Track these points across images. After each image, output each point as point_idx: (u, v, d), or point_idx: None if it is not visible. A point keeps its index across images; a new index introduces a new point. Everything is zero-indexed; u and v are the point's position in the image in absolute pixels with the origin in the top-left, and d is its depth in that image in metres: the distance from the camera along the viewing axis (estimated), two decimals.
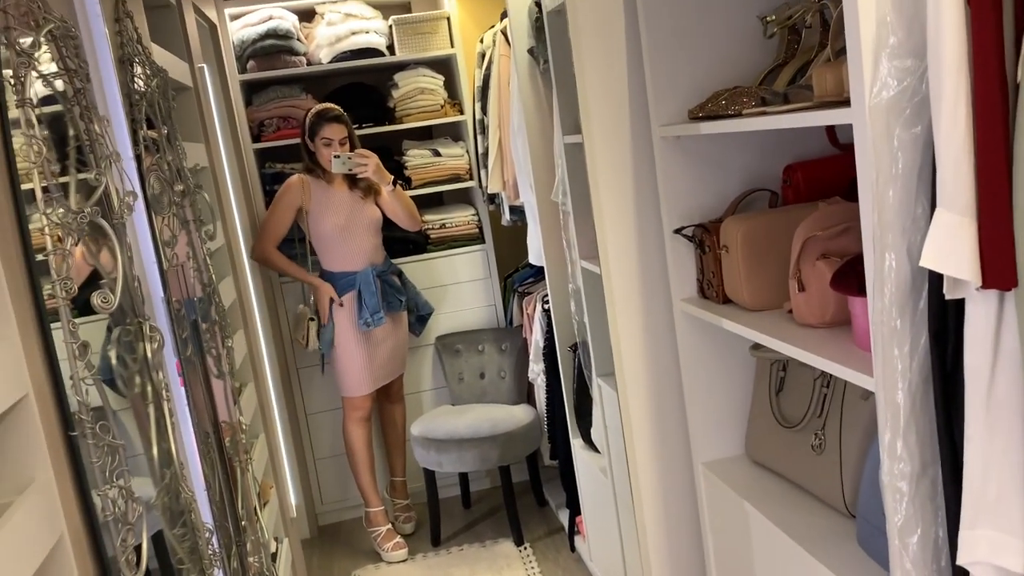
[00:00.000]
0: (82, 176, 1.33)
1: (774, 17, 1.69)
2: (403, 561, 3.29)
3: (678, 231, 1.78)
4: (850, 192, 1.74)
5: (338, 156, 3.07)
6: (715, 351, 1.84)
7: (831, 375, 1.59)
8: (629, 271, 1.92)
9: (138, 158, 1.66)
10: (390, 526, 3.39)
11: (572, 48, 1.89)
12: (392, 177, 3.19)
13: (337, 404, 3.49)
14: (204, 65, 2.76)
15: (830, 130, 1.79)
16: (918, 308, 1.10)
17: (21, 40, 1.17)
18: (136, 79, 1.76)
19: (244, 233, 3.13)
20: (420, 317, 3.46)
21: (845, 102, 1.20)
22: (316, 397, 3.61)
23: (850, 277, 1.40)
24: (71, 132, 1.35)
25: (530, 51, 2.70)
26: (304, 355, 3.47)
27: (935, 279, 1.06)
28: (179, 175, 1.91)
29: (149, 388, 1.49)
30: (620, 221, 1.90)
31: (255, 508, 2.14)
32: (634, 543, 2.33)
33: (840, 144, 1.79)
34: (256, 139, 3.51)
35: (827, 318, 1.46)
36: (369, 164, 3.09)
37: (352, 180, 3.22)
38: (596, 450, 2.68)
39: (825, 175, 1.77)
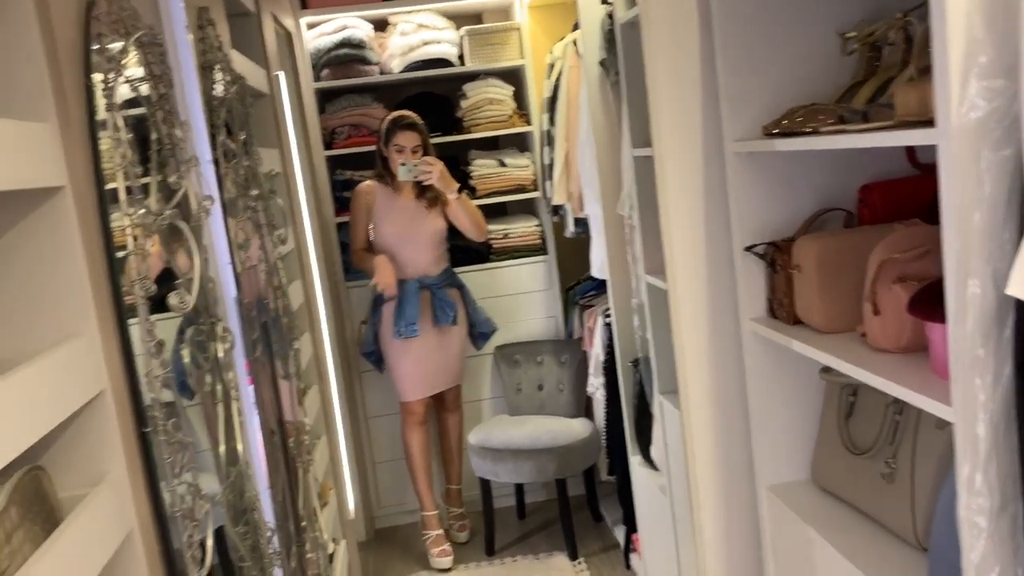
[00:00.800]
0: (162, 179, 1.37)
1: (855, 33, 1.65)
2: (448, 569, 3.29)
3: (749, 249, 1.74)
4: (930, 214, 1.69)
5: (404, 164, 3.11)
6: (783, 373, 1.80)
7: (904, 402, 1.54)
8: (696, 288, 1.89)
9: (216, 162, 1.71)
10: (441, 532, 3.41)
11: (645, 60, 1.88)
12: (458, 185, 3.21)
13: (397, 409, 3.53)
14: (280, 72, 2.83)
15: (910, 150, 1.74)
16: (1003, 337, 1.05)
17: (111, 46, 1.21)
18: (216, 85, 1.81)
19: (314, 238, 3.18)
20: (481, 334, 3.46)
21: (929, 122, 1.16)
22: (377, 401, 3.65)
23: (928, 302, 1.35)
24: (153, 136, 1.39)
25: (601, 63, 2.69)
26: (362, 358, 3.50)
27: (1022, 308, 1.01)
28: (254, 180, 1.96)
29: (219, 387, 1.52)
30: (688, 237, 1.87)
31: (315, 509, 2.17)
32: (691, 563, 2.29)
33: (920, 164, 1.74)
34: (328, 146, 3.57)
35: (902, 343, 1.41)
36: (434, 171, 3.12)
37: (420, 190, 3.25)
38: (655, 468, 2.64)
39: (903, 196, 1.72)
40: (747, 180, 1.74)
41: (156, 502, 1.18)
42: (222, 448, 1.54)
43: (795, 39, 1.73)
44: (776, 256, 1.71)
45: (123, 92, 1.27)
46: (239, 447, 1.54)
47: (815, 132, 1.49)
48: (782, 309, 1.72)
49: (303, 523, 2.00)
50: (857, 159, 1.79)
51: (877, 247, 1.44)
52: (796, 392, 1.82)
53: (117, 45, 1.23)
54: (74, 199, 1.07)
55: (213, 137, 1.73)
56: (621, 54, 2.35)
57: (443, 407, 3.51)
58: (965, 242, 1.04)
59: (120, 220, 1.17)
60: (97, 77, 1.18)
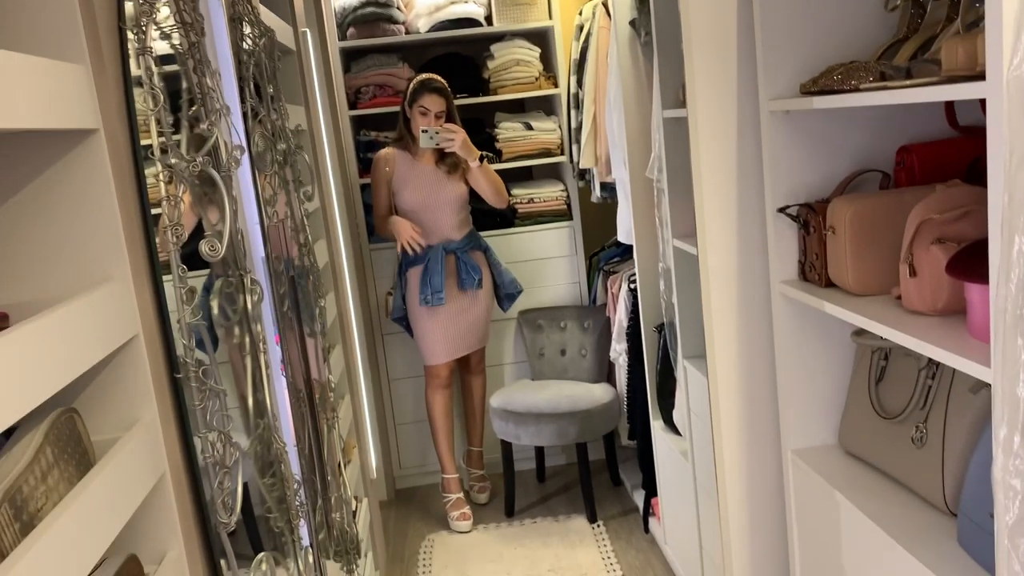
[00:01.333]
0: (192, 129, 1.37)
1: None
2: (467, 532, 3.32)
3: (782, 210, 1.72)
4: (969, 176, 1.65)
5: (426, 131, 3.08)
6: (812, 336, 1.78)
7: (937, 366, 1.52)
8: (727, 250, 1.87)
9: (244, 115, 1.70)
10: (461, 495, 3.43)
11: (680, 18, 1.84)
12: (479, 153, 3.18)
13: (419, 372, 3.54)
14: (307, 30, 2.80)
15: (950, 111, 1.70)
16: None
17: None
18: (245, 38, 1.79)
19: (338, 197, 3.18)
20: (508, 295, 3.45)
21: (978, 76, 1.13)
22: (399, 364, 3.67)
23: (967, 263, 1.32)
24: (184, 85, 1.39)
25: (632, 23, 2.65)
26: (389, 321, 3.51)
27: None
28: (281, 134, 1.95)
29: (247, 340, 1.52)
30: (721, 199, 1.85)
31: (340, 465, 2.19)
32: (712, 528, 2.29)
33: (960, 126, 1.70)
34: (352, 106, 3.55)
35: (939, 306, 1.39)
36: (456, 139, 3.09)
37: (440, 155, 3.23)
38: (677, 433, 2.64)
39: (942, 158, 1.68)
40: (782, 140, 1.71)
41: (187, 449, 1.19)
42: (250, 400, 1.54)
43: None
44: (810, 218, 1.68)
45: (156, 42, 1.26)
46: (267, 399, 1.55)
47: (855, 89, 1.46)
48: (814, 272, 1.70)
49: (328, 478, 2.01)
50: (895, 120, 1.75)
51: (916, 207, 1.41)
52: (824, 356, 1.80)
53: None
54: (107, 143, 1.07)
55: (242, 90, 1.72)
56: (653, 13, 2.30)
57: (467, 370, 3.52)
58: (1013, 198, 1.02)
59: (154, 168, 1.17)
60: (129, 21, 1.17)
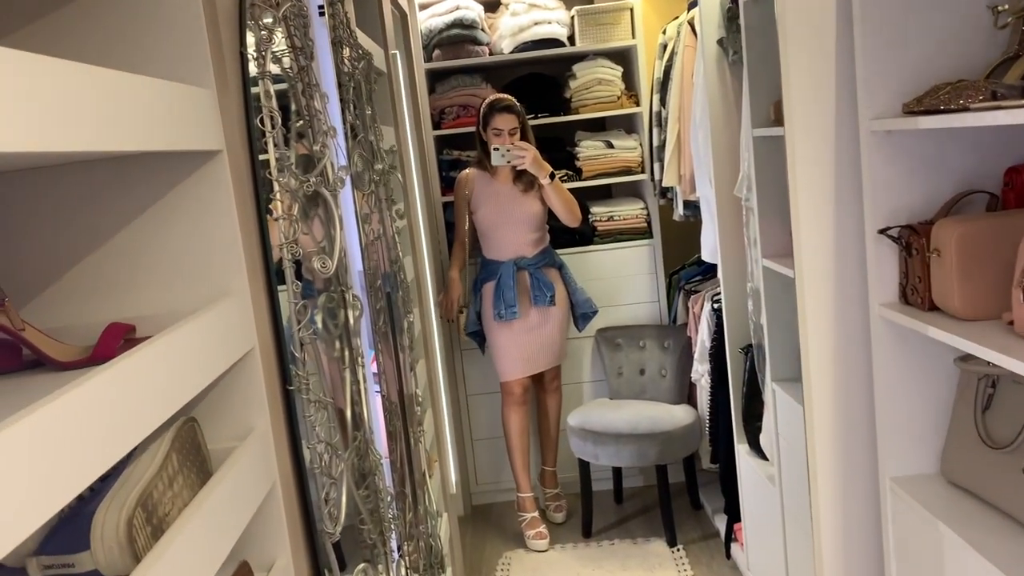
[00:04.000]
0: (302, 150, 1.41)
1: (1007, 6, 1.57)
2: (544, 551, 3.31)
3: (883, 231, 1.68)
4: None
5: (497, 149, 3.12)
6: (913, 361, 1.73)
7: None
8: (824, 272, 1.83)
9: (345, 136, 1.75)
10: (536, 514, 3.43)
11: (779, 36, 1.82)
12: (551, 170, 3.20)
13: (496, 388, 3.56)
14: (396, 52, 2.87)
15: None
16: None
17: (264, 19, 1.25)
18: (345, 61, 1.85)
19: (422, 215, 3.23)
20: (583, 314, 3.45)
21: None
22: (477, 380, 3.69)
23: None
24: (293, 107, 1.44)
25: (719, 42, 2.64)
26: (466, 338, 3.54)
27: None
28: (378, 155, 1.99)
29: (346, 353, 1.56)
30: (818, 219, 1.82)
31: (425, 478, 2.21)
32: (799, 555, 2.24)
33: None
34: (436, 126, 3.62)
35: None
36: (527, 156, 3.12)
37: (516, 174, 3.26)
38: (763, 457, 2.59)
39: None
40: (883, 161, 1.68)
41: (297, 458, 1.22)
42: (348, 413, 1.58)
43: (939, 11, 1.64)
44: (912, 239, 1.64)
45: (270, 66, 1.31)
46: (364, 412, 1.58)
47: (964, 109, 1.42)
48: (916, 295, 1.65)
49: (416, 491, 2.04)
50: (1001, 141, 1.70)
51: None
52: (925, 382, 1.75)
53: (268, 17, 1.27)
54: (230, 163, 1.11)
55: (343, 112, 1.77)
56: (744, 32, 2.29)
57: (541, 388, 3.52)
58: None
59: (271, 187, 1.21)
60: (250, 47, 1.22)
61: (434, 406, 2.85)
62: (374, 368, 1.80)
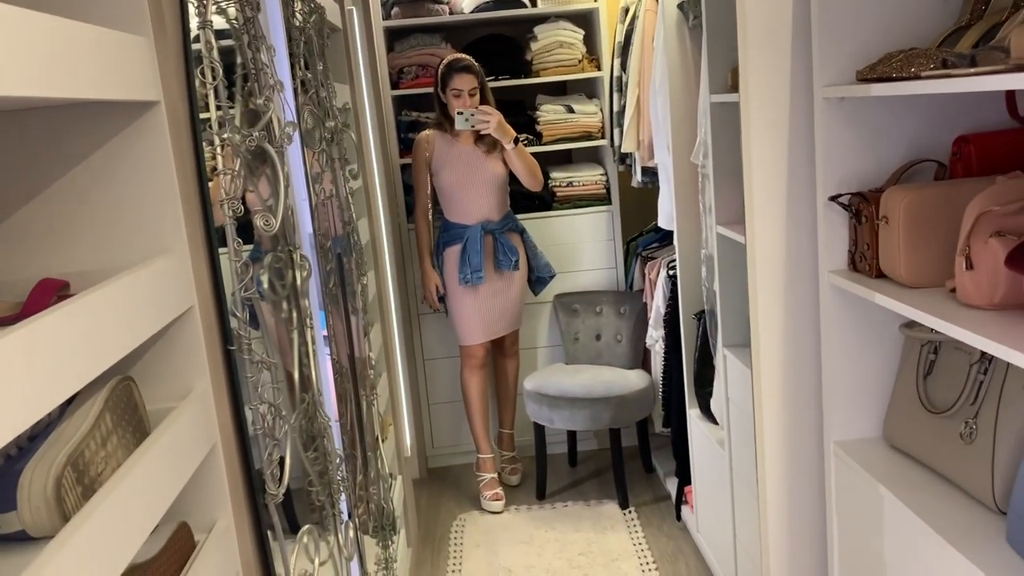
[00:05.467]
0: (246, 104, 1.37)
1: None
2: (499, 512, 3.34)
3: (834, 199, 1.69)
4: None
5: (461, 112, 3.08)
6: (860, 327, 1.76)
7: (989, 360, 1.49)
8: (775, 238, 1.84)
9: (295, 92, 1.70)
10: (495, 475, 3.45)
11: (735, 1, 1.81)
12: (515, 134, 3.17)
13: (454, 352, 3.55)
14: (353, 8, 2.81)
15: (1010, 102, 1.66)
16: None
17: None
18: (296, 15, 1.80)
19: (379, 176, 3.19)
20: (539, 278, 3.44)
21: None
22: (434, 344, 3.68)
23: None
24: (239, 60, 1.39)
25: (680, 6, 2.62)
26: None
27: None
28: (330, 112, 1.95)
29: (294, 315, 1.54)
30: (770, 186, 1.82)
31: (378, 442, 2.21)
32: (747, 517, 2.28)
33: (1021, 117, 1.66)
34: (395, 86, 3.56)
35: (996, 300, 1.36)
36: (491, 120, 3.09)
37: (478, 135, 3.23)
38: (714, 421, 2.62)
39: (1001, 149, 1.64)
40: (836, 128, 1.69)
41: (238, 419, 1.21)
42: (296, 375, 1.56)
43: None
44: (862, 207, 1.65)
45: (213, 16, 1.26)
46: (312, 374, 1.57)
47: (915, 77, 1.43)
48: (864, 262, 1.67)
49: (367, 455, 2.03)
50: (952, 110, 1.71)
51: (975, 199, 1.39)
52: (872, 348, 1.77)
53: None
54: (168, 115, 1.08)
55: (292, 67, 1.72)
56: None
57: (500, 352, 3.52)
58: None
59: (212, 142, 1.18)
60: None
61: (389, 370, 2.83)
62: (325, 332, 1.78)
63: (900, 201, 1.55)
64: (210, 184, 1.17)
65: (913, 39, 1.66)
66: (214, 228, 1.15)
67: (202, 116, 1.19)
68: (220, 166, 1.14)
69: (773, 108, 1.80)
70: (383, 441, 2.46)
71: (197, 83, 1.15)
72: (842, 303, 1.75)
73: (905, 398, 1.70)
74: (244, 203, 1.36)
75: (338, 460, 1.68)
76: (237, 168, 1.17)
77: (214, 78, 1.14)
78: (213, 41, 1.15)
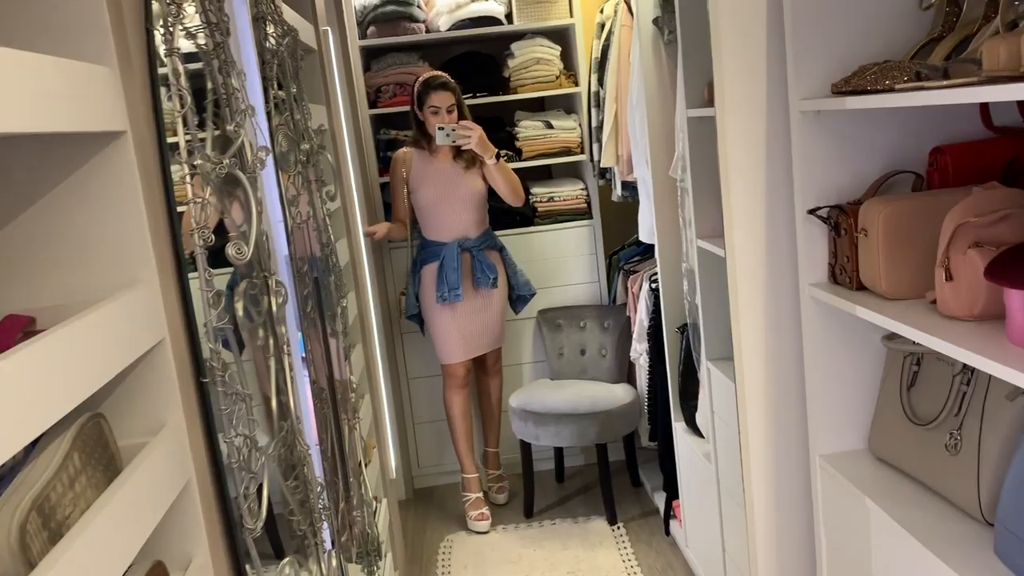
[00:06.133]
0: (218, 130, 1.36)
1: None
2: (486, 532, 3.31)
3: (812, 212, 1.69)
4: (1005, 178, 1.62)
5: (442, 128, 3.06)
6: (842, 340, 1.75)
7: (972, 372, 1.49)
8: (755, 251, 1.84)
9: (268, 115, 1.69)
10: (480, 495, 3.42)
11: (710, 16, 1.81)
12: (495, 150, 3.16)
13: (437, 371, 3.53)
14: (328, 28, 2.79)
15: (985, 112, 1.67)
16: None
17: None
18: (268, 38, 1.78)
19: (359, 196, 3.17)
20: (520, 296, 3.43)
21: (1021, 77, 1.10)
22: (418, 363, 3.66)
23: (1005, 268, 1.29)
24: (209, 85, 1.37)
25: (655, 21, 2.62)
26: (406, 320, 3.50)
27: None
28: (305, 135, 1.93)
29: (271, 342, 1.51)
30: (749, 199, 1.82)
31: (360, 466, 2.18)
32: (736, 531, 2.27)
33: (996, 127, 1.66)
34: (372, 105, 3.55)
35: (976, 311, 1.36)
36: (472, 135, 3.08)
37: (457, 151, 3.22)
38: (700, 435, 2.61)
39: (976, 159, 1.65)
40: (812, 141, 1.69)
41: (213, 453, 1.18)
42: (274, 402, 1.53)
43: None
44: (841, 219, 1.65)
45: (181, 42, 1.25)
46: (291, 402, 1.54)
47: (889, 89, 1.43)
48: (844, 274, 1.67)
49: (350, 480, 2.00)
50: (927, 121, 1.72)
51: (953, 210, 1.39)
52: (854, 360, 1.77)
53: None
54: (135, 145, 1.06)
55: (265, 90, 1.71)
56: (678, 11, 2.28)
57: (483, 370, 3.50)
58: None
59: (179, 168, 1.16)
60: (157, 22, 1.16)
61: (372, 391, 2.80)
62: (304, 355, 1.75)
63: (879, 214, 1.55)
64: (182, 212, 1.15)
65: (887, 52, 1.66)
66: (184, 258, 1.13)
67: (172, 141, 1.17)
68: (190, 194, 1.12)
69: (749, 121, 1.80)
70: (366, 465, 2.43)
71: (165, 111, 1.13)
72: (824, 316, 1.74)
73: (889, 410, 1.69)
74: (221, 227, 1.34)
75: (319, 488, 1.65)
76: (207, 196, 1.15)
77: (182, 106, 1.12)
78: (181, 68, 1.13)
